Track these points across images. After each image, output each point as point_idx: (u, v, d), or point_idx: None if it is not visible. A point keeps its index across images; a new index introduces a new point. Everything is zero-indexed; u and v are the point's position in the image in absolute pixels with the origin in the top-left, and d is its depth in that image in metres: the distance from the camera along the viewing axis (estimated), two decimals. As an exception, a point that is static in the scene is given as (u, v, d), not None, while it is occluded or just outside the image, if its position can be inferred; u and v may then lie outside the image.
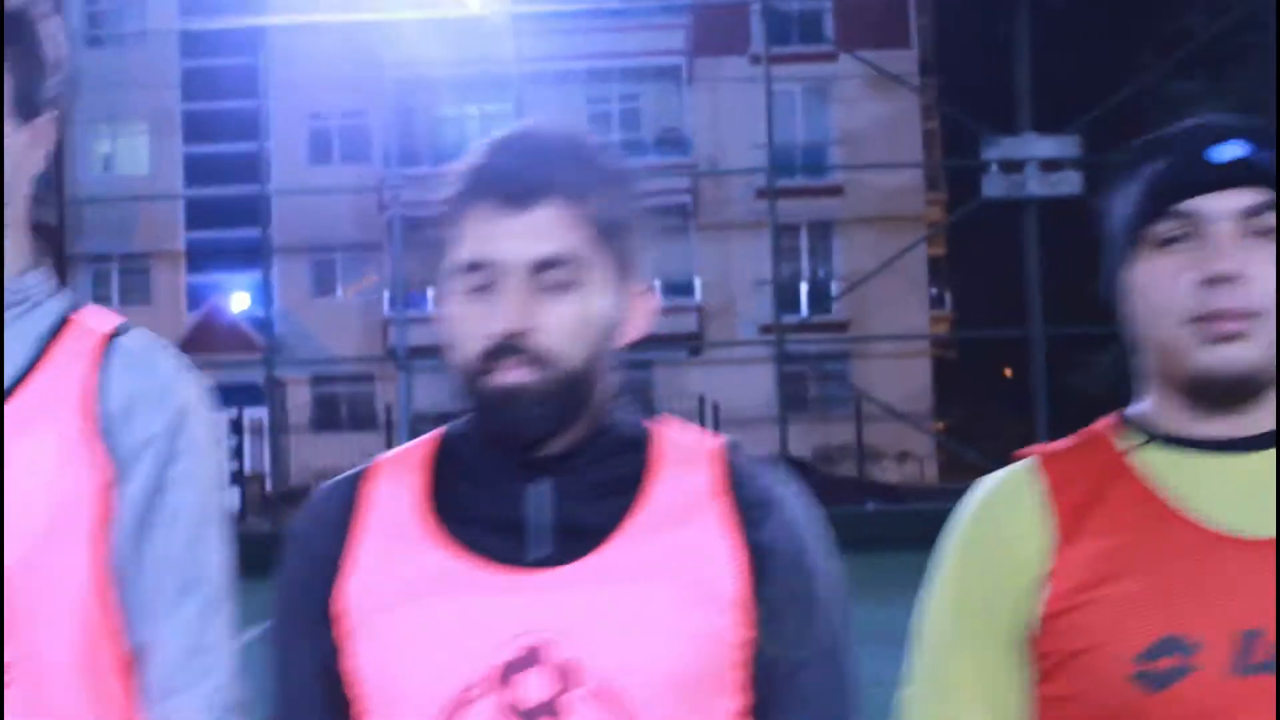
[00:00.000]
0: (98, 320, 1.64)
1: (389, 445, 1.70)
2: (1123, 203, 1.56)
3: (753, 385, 31.92)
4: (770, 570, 1.54)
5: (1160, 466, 1.54)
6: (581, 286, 1.53)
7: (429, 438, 1.64)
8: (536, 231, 1.51)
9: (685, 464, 1.58)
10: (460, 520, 1.55)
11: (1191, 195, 1.50)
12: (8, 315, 1.58)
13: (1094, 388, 23.91)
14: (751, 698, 1.55)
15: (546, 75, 31.87)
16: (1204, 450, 1.53)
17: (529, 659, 1.48)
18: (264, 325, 30.19)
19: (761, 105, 27.03)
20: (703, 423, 32.16)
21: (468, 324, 1.51)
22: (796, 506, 1.60)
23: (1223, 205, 1.49)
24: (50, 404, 1.54)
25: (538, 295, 1.51)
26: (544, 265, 1.51)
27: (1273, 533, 1.47)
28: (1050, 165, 24.29)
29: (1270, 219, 1.50)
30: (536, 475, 1.55)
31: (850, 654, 1.61)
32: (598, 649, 1.48)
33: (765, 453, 1.67)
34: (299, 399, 32.47)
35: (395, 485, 1.59)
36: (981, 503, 1.61)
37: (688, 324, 33.49)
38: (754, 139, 29.96)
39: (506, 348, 1.50)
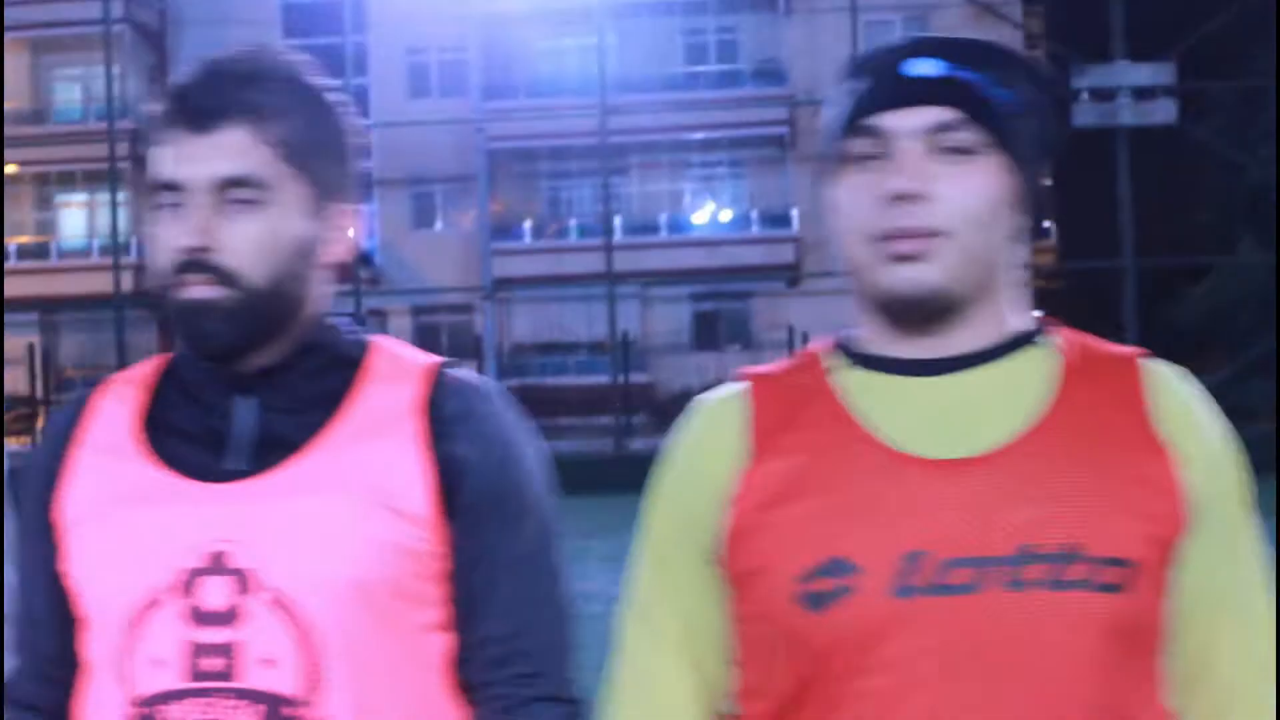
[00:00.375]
0: None
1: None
2: (828, 120, 1.53)
3: (851, 317, 31.80)
4: (464, 484, 1.58)
5: (856, 388, 1.51)
6: (267, 206, 1.56)
7: (160, 357, 1.69)
8: (219, 152, 1.55)
9: (392, 381, 1.62)
10: (168, 434, 1.61)
11: (880, 111, 1.46)
12: None
13: (1187, 319, 23.49)
14: (450, 611, 1.60)
15: (643, 7, 31.83)
16: (900, 372, 1.50)
17: (212, 567, 1.53)
18: (366, 257, 30.65)
19: (859, 35, 26.75)
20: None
21: (162, 241, 1.56)
22: (500, 422, 1.63)
23: (909, 122, 1.45)
24: None
25: (222, 214, 1.55)
26: (227, 184, 1.55)
27: (956, 455, 1.44)
28: (1144, 94, 23.83)
29: (963, 137, 1.45)
30: (244, 391, 1.60)
31: (556, 566, 1.65)
32: (274, 559, 1.53)
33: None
34: (400, 330, 32.91)
35: (117, 401, 1.65)
36: (688, 425, 1.59)
37: (785, 255, 33.38)
38: (851, 69, 29.63)
39: (191, 264, 1.55)
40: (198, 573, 1.54)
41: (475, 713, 1.62)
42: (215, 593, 1.53)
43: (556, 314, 32.92)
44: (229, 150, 1.56)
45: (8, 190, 35.16)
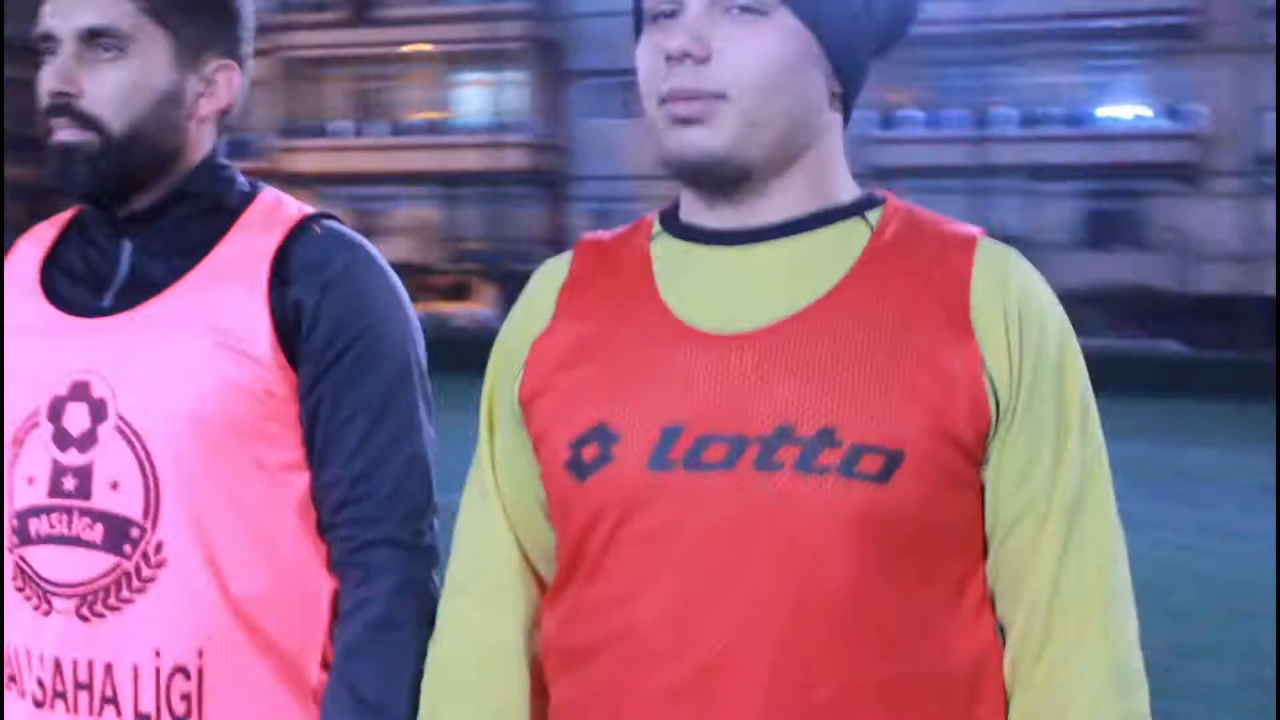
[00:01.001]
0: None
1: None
2: None
3: (1250, 219, 30.10)
4: (305, 330, 1.64)
5: (664, 255, 1.48)
6: (129, 57, 1.65)
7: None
8: (84, 5, 1.64)
9: (259, 230, 1.69)
10: (61, 273, 1.73)
11: None
12: None
13: None
14: (305, 446, 1.67)
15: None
16: (705, 242, 1.45)
17: (74, 395, 1.64)
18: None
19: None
20: (1188, 258, 30.52)
21: (38, 89, 1.65)
22: (353, 274, 1.68)
23: None
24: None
25: (85, 63, 1.64)
26: (90, 35, 1.64)
27: (737, 329, 1.39)
28: None
29: None
30: (124, 234, 1.70)
31: (406, 417, 1.69)
32: (124, 390, 1.63)
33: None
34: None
35: (33, 244, 1.78)
36: (525, 287, 1.58)
37: (1186, 153, 31.74)
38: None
39: (56, 108, 1.64)
40: (63, 400, 1.65)
41: (328, 552, 1.69)
42: (76, 418, 1.64)
43: (931, 206, 32.12)
44: (94, 3, 1.64)
45: (411, 68, 36.89)
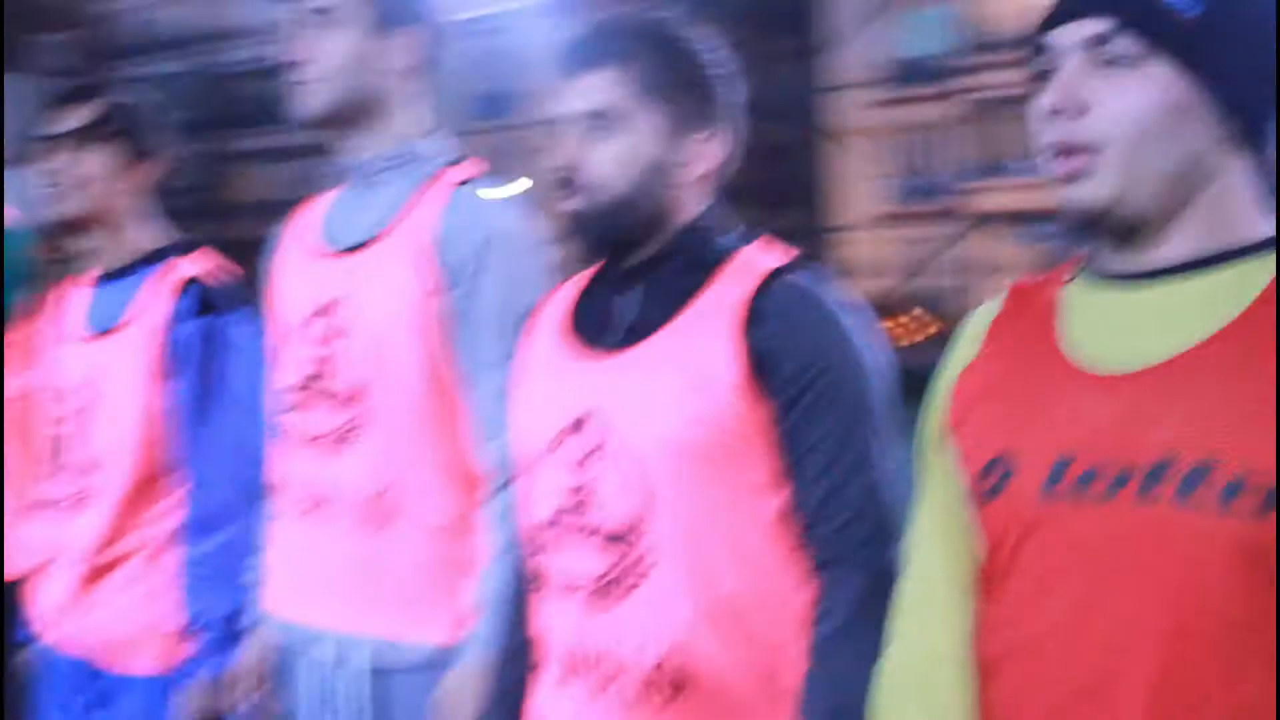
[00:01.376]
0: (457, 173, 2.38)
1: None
2: None
3: None
4: (774, 366, 1.85)
5: (1073, 296, 1.55)
6: (623, 134, 1.92)
7: None
8: (585, 91, 1.94)
9: (736, 278, 1.92)
10: (582, 315, 2.02)
11: (1049, 28, 1.48)
12: (413, 169, 2.40)
13: None
14: (777, 470, 1.88)
15: None
16: (1109, 283, 1.51)
17: (578, 425, 1.93)
18: None
19: None
20: None
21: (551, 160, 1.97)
22: (813, 319, 1.87)
23: (1067, 37, 1.46)
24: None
25: (587, 140, 1.94)
26: (591, 116, 1.94)
27: (1131, 366, 1.44)
28: None
29: (1120, 46, 1.43)
30: (627, 283, 1.99)
31: (867, 446, 1.86)
32: (618, 420, 1.90)
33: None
34: None
35: (569, 288, 2.09)
36: (960, 330, 1.69)
37: None
38: None
39: (563, 180, 1.96)
40: (571, 427, 1.95)
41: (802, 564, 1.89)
42: (583, 442, 1.94)
43: None
44: (594, 89, 1.94)
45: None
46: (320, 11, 2.36)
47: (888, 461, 1.90)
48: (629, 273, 1.99)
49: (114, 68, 28.74)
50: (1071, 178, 1.45)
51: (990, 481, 1.51)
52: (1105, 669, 1.41)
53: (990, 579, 1.54)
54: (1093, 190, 1.44)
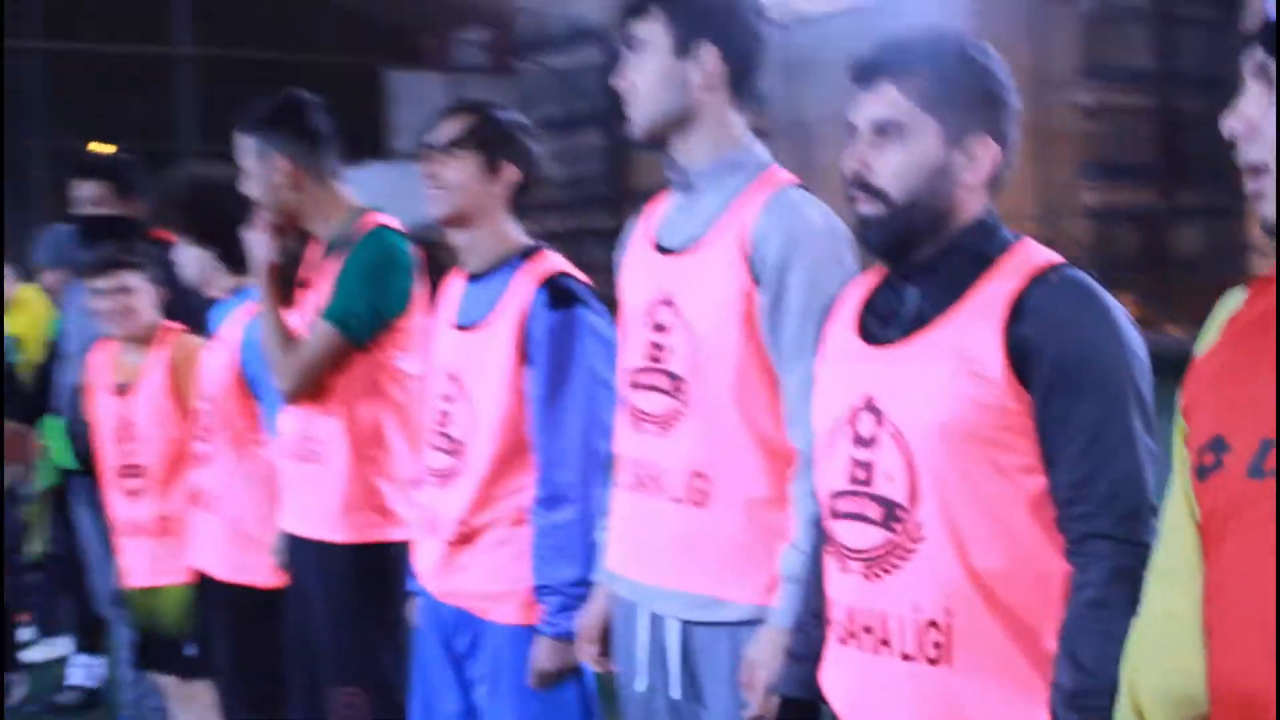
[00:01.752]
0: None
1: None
2: None
3: None
4: (1035, 359, 2.03)
5: None
6: (907, 141, 2.13)
7: None
8: (872, 103, 2.17)
9: (1007, 275, 2.10)
10: (869, 311, 2.25)
11: None
12: (733, 177, 2.67)
13: None
14: (1039, 453, 2.05)
15: None
16: None
17: (865, 406, 2.16)
18: None
19: None
20: None
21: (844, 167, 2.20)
22: (1075, 314, 2.04)
23: None
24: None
25: (874, 147, 2.16)
26: (878, 126, 2.15)
27: None
28: None
29: None
30: (909, 280, 2.20)
31: (1124, 432, 2.01)
32: (895, 404, 2.12)
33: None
34: None
35: (862, 283, 2.32)
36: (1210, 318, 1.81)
37: None
38: None
39: (854, 183, 2.19)
40: (858, 409, 2.18)
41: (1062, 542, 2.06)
42: (865, 424, 2.17)
43: None
44: (880, 101, 2.16)
45: None
46: (632, 39, 2.66)
47: (1147, 442, 2.04)
48: (912, 269, 2.20)
49: (528, 60, 30.14)
50: None
51: (1207, 460, 1.66)
52: None
53: (1206, 551, 1.69)
54: None
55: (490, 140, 3.18)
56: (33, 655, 6.99)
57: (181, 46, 35.91)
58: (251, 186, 3.64)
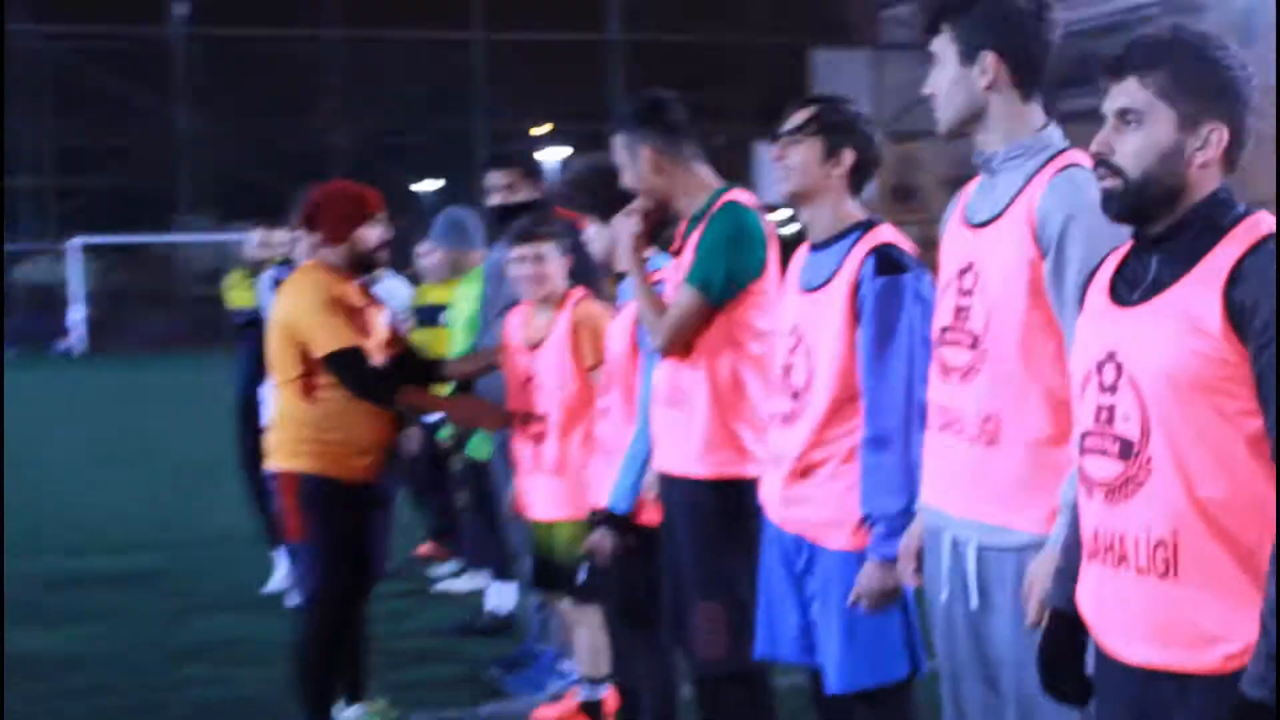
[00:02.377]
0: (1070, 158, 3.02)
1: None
2: None
3: None
4: (1249, 317, 2.34)
5: None
6: (1144, 127, 2.48)
7: None
8: (1117, 95, 2.51)
9: (1234, 243, 2.41)
10: (1119, 277, 2.59)
11: None
12: (1028, 161, 3.05)
13: None
14: (1255, 401, 2.36)
15: None
16: None
17: (1107, 358, 2.51)
18: None
19: None
20: None
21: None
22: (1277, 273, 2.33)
23: None
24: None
25: (1117, 132, 2.51)
26: (1120, 113, 2.51)
27: None
28: None
29: None
30: (1149, 249, 2.53)
31: None
32: (1131, 355, 2.47)
33: None
34: None
35: (1118, 252, 2.64)
36: None
37: None
38: None
39: (1098, 164, 2.54)
40: (1102, 362, 2.54)
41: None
42: (1109, 374, 2.53)
43: None
44: (1124, 93, 2.51)
45: None
46: (930, 53, 3.09)
47: None
48: (1154, 239, 2.54)
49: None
50: None
51: None
52: None
53: None
54: None
55: (830, 128, 3.64)
56: (458, 585, 7.92)
57: (613, 32, 37.57)
58: (626, 177, 4.24)
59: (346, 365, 5.08)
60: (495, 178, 5.99)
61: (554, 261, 5.16)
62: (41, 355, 31.35)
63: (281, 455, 5.20)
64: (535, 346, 5.19)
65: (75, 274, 33.75)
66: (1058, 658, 2.70)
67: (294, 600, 6.39)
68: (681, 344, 4.08)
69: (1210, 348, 2.39)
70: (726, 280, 4.05)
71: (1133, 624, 2.50)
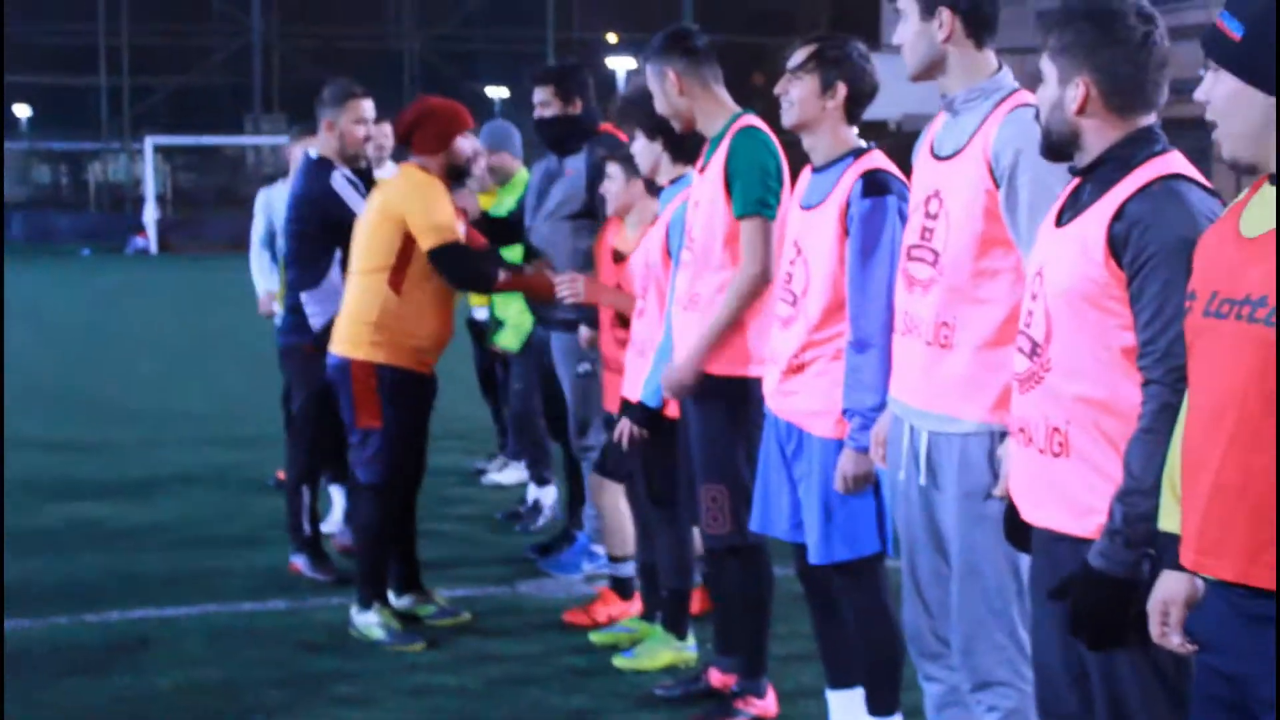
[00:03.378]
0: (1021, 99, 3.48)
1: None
2: None
3: None
4: (1123, 248, 2.81)
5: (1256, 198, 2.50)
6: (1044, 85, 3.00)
7: None
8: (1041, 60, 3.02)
9: (1131, 182, 2.87)
10: (1068, 200, 3.03)
11: None
12: (984, 101, 3.50)
13: None
14: (1131, 319, 2.83)
15: None
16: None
17: (1037, 273, 2.99)
18: None
19: None
20: None
21: None
22: (1153, 213, 2.79)
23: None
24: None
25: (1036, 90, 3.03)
26: (1034, 77, 3.02)
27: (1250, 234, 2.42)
28: None
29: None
30: (1084, 178, 2.99)
31: (1176, 306, 2.69)
32: (1047, 271, 2.95)
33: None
34: None
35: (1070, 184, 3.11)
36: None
37: None
38: None
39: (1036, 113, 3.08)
40: (1037, 275, 3.02)
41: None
42: (1035, 284, 3.02)
43: None
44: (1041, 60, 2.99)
45: None
46: (898, 7, 3.55)
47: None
48: (1081, 172, 3.02)
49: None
50: None
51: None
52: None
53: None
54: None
55: (826, 64, 4.11)
56: (505, 477, 8.49)
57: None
58: (657, 104, 4.74)
59: (453, 257, 5.56)
60: (536, 93, 6.47)
61: (618, 180, 5.62)
62: (118, 254, 32.14)
63: (357, 345, 5.59)
64: (622, 258, 5.70)
65: (148, 173, 34.49)
66: (1012, 520, 3.20)
67: (343, 539, 6.83)
68: (770, 266, 4.55)
69: (1096, 271, 2.88)
70: (775, 194, 4.57)
71: (1036, 493, 3.02)
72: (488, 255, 5.95)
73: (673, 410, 5.00)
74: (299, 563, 6.55)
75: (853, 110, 4.17)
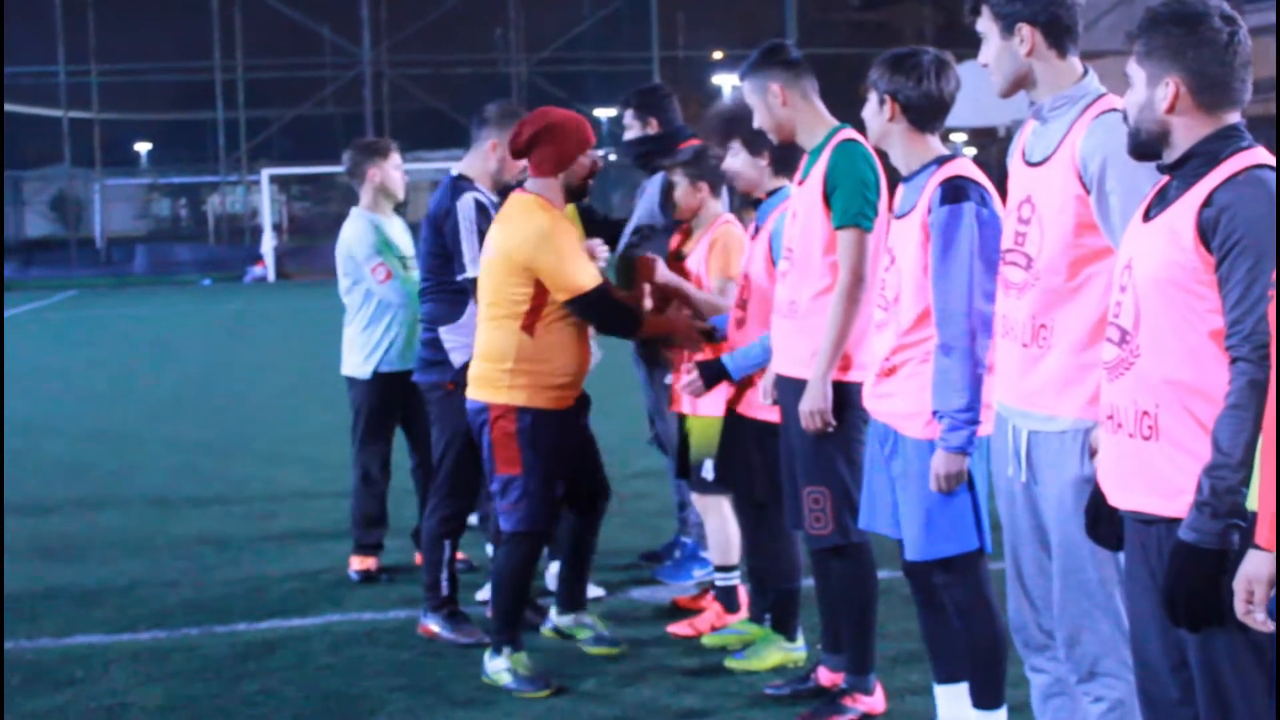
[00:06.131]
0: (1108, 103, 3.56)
1: None
2: None
3: None
4: (1212, 234, 2.91)
5: None
6: (1132, 86, 3.08)
7: None
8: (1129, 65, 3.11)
9: (1219, 174, 2.96)
10: (1156, 196, 3.14)
11: None
12: (1071, 108, 3.59)
13: None
14: (1220, 302, 2.91)
15: None
16: None
17: (1126, 266, 3.09)
18: None
19: None
20: None
21: None
22: (1245, 198, 2.88)
23: None
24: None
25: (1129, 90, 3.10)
26: (1125, 77, 3.11)
27: None
28: None
29: None
30: (1172, 175, 3.08)
31: (1262, 287, 2.82)
32: (1136, 262, 3.06)
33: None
34: None
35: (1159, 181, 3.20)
36: None
37: None
38: None
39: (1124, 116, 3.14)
40: (1125, 266, 3.13)
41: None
42: (1124, 276, 3.14)
43: None
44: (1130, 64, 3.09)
45: None
46: (979, 30, 3.67)
47: None
48: (1168, 169, 3.11)
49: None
50: None
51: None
52: None
53: None
54: None
55: (876, 83, 4.26)
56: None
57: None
58: (758, 118, 4.88)
59: (594, 304, 5.26)
60: (624, 117, 6.77)
61: (682, 185, 5.89)
62: (237, 282, 32.82)
63: (497, 389, 5.31)
64: (681, 258, 5.91)
65: (265, 204, 35.21)
66: (1095, 512, 3.29)
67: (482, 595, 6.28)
68: (867, 276, 4.68)
69: (1184, 257, 2.97)
70: (873, 206, 4.69)
71: (1126, 478, 3.11)
72: (629, 301, 5.61)
73: (769, 413, 5.11)
74: (432, 624, 5.98)
75: (915, 120, 4.27)
